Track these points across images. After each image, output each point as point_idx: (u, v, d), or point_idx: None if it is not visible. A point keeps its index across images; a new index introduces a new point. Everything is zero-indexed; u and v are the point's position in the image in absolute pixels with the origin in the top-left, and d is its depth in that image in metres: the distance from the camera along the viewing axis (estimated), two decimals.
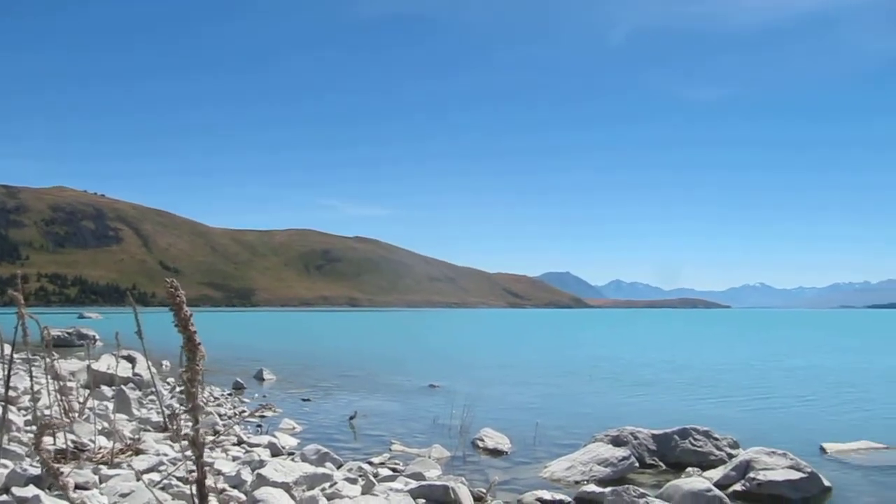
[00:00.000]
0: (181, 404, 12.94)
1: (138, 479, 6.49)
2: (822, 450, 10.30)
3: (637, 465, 8.87)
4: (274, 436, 10.40)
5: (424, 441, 10.75)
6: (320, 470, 7.52)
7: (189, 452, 2.75)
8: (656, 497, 7.13)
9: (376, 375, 21.73)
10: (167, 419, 10.49)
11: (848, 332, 66.13)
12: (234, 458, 8.48)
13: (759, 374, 22.80)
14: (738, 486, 7.90)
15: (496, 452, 10.18)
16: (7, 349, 8.20)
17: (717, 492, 7.30)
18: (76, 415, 9.72)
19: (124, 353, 17.53)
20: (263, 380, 19.89)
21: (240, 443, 9.89)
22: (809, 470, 7.94)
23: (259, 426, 12.03)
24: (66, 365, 15.54)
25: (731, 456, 8.95)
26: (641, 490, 6.99)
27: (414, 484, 7.26)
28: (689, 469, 8.79)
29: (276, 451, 9.39)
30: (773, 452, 8.22)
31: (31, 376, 8.87)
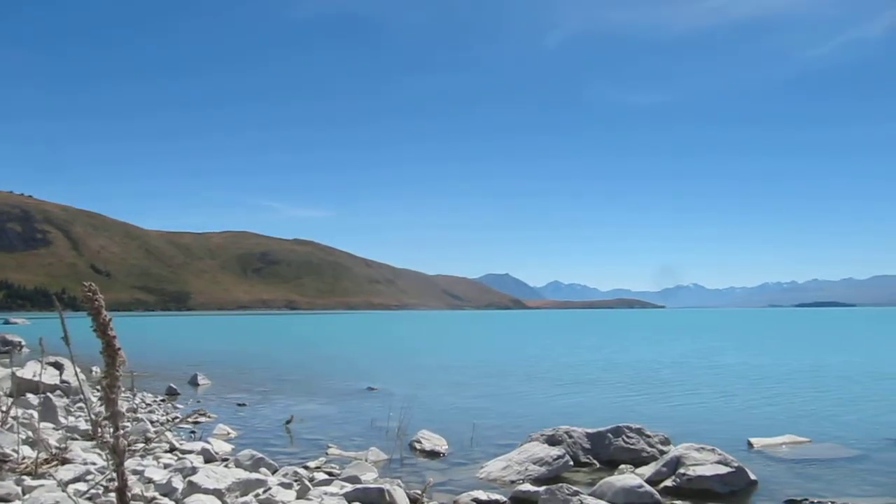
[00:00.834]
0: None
1: (63, 490, 6.29)
2: (750, 444, 10.62)
3: (572, 463, 9.00)
4: (207, 442, 10.21)
5: (361, 444, 10.70)
6: (254, 475, 7.43)
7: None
8: (589, 494, 7.24)
9: (314, 379, 21.56)
10: (92, 427, 10.20)
11: (774, 330, 68.36)
12: (166, 466, 8.28)
13: (690, 371, 23.37)
14: (668, 482, 8.08)
15: (433, 454, 10.19)
16: None
17: (648, 488, 7.46)
18: None
19: (52, 359, 16.99)
20: (198, 385, 19.51)
21: (172, 450, 9.67)
22: (737, 464, 8.17)
23: (192, 432, 11.80)
24: None
25: (662, 452, 9.15)
26: (575, 488, 7.09)
27: (349, 487, 7.23)
28: (623, 466, 8.96)
29: (209, 458, 9.21)
30: (702, 448, 8.43)
31: None
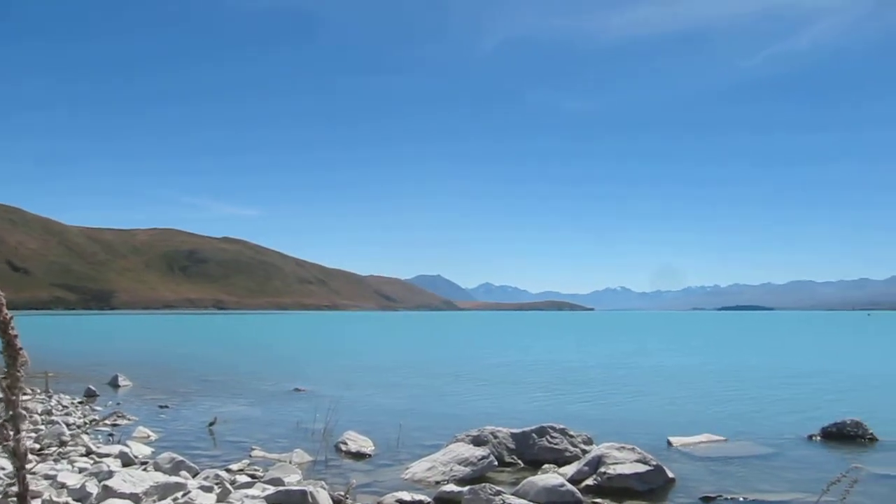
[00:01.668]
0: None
1: None
2: (669, 443, 10.91)
3: (496, 463, 9.09)
4: (126, 445, 9.93)
5: (286, 446, 10.57)
6: (173, 479, 7.26)
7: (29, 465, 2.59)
8: (512, 494, 7.33)
9: (240, 380, 21.20)
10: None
11: (696, 332, 70.40)
12: (81, 470, 8.02)
13: (614, 372, 23.89)
14: (590, 481, 8.23)
15: (359, 455, 10.15)
16: None
17: (569, 487, 7.59)
18: None
19: None
20: (119, 386, 18.96)
21: (88, 453, 9.37)
22: (655, 463, 8.38)
23: (111, 435, 11.46)
24: None
25: (585, 452, 9.30)
26: (498, 488, 7.16)
27: (272, 490, 7.13)
28: (546, 466, 9.08)
29: (127, 461, 8.97)
30: (622, 447, 8.62)
31: None
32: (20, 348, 2.54)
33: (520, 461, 9.49)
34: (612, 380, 21.35)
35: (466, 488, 7.32)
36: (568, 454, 9.43)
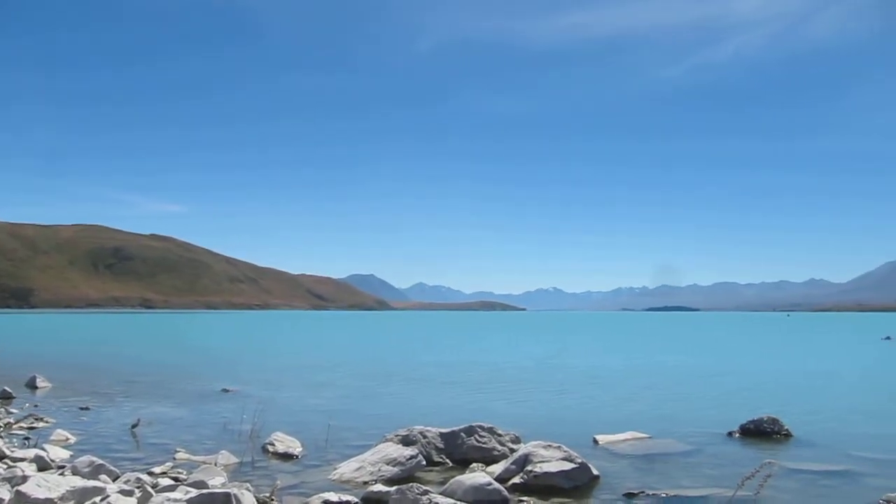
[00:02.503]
0: None
1: None
2: (595, 441, 11.13)
3: (425, 463, 9.11)
4: (43, 448, 9.60)
5: (212, 448, 10.38)
6: (92, 483, 7.05)
7: None
8: (440, 493, 7.36)
9: (166, 380, 20.70)
10: None
11: (624, 333, 71.95)
12: None
13: (543, 372, 24.25)
14: (517, 479, 8.34)
15: (287, 456, 10.03)
16: None
17: (496, 485, 7.67)
18: None
19: None
20: (37, 388, 18.30)
21: (1, 458, 9.02)
22: (580, 461, 8.54)
23: (27, 439, 11.05)
24: None
25: (512, 450, 9.41)
26: (425, 488, 7.18)
27: (194, 493, 6.98)
28: (474, 465, 9.15)
29: (43, 466, 8.67)
30: (549, 446, 8.75)
31: None
32: None
33: (448, 460, 9.54)
34: (541, 379, 21.64)
35: (394, 488, 7.32)
36: (496, 453, 9.52)
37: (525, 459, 8.57)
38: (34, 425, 12.40)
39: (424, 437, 9.67)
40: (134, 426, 12.21)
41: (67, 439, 11.13)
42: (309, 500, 7.49)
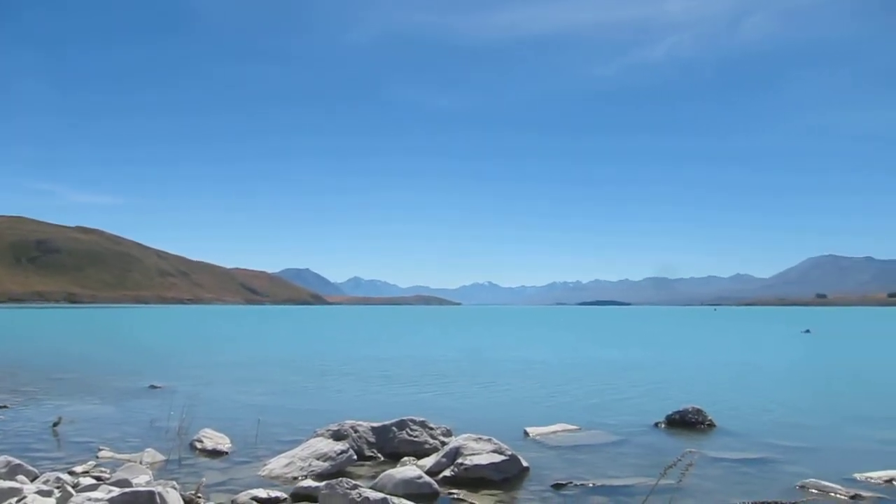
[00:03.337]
0: None
1: None
2: (526, 433, 11.28)
3: (356, 457, 9.07)
4: None
5: (138, 445, 10.14)
6: (7, 484, 6.81)
7: None
8: (370, 487, 7.34)
9: (91, 377, 20.11)
10: None
11: (557, 326, 73.03)
12: None
13: (476, 365, 24.45)
14: (447, 472, 8.38)
15: (215, 453, 9.86)
16: None
17: (426, 478, 7.70)
18: None
19: None
20: None
21: None
22: (510, 453, 8.63)
23: None
24: None
25: (444, 444, 9.44)
26: (354, 482, 7.14)
27: (117, 492, 6.79)
28: (405, 458, 9.16)
29: None
30: (479, 438, 8.82)
31: None
32: None
33: (380, 455, 9.52)
34: (473, 372, 21.80)
35: (323, 483, 7.26)
36: (427, 446, 9.55)
37: (456, 452, 8.62)
38: None
39: (356, 431, 9.63)
40: (55, 424, 11.83)
41: None
42: (237, 496, 7.38)
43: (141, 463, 8.79)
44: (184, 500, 7.00)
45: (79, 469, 8.49)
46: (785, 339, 45.66)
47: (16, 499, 6.46)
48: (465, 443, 8.72)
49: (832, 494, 7.75)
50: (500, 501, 7.69)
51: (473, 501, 7.57)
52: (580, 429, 11.74)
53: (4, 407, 14.09)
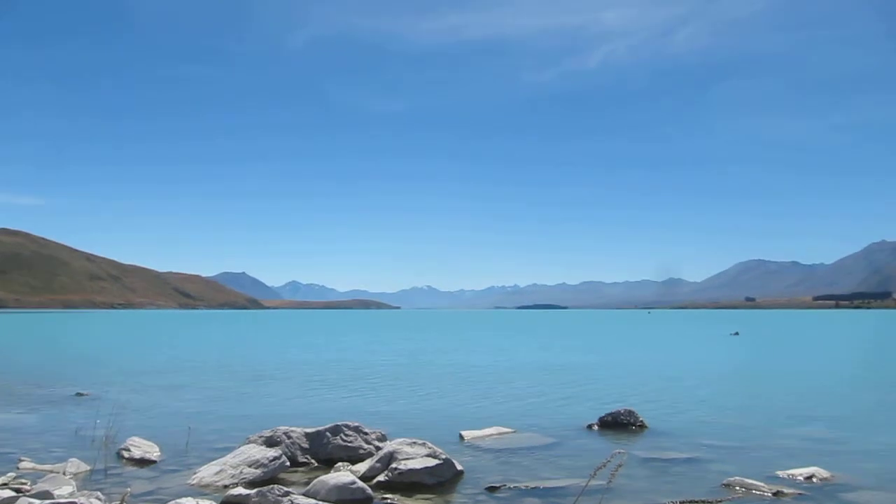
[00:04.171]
0: None
1: None
2: (461, 437, 11.32)
3: (288, 464, 8.96)
4: None
5: (61, 455, 9.78)
6: None
7: None
8: (302, 494, 7.26)
9: (13, 385, 19.37)
10: None
11: (494, 329, 73.52)
12: None
13: (412, 369, 24.45)
14: (381, 477, 8.34)
15: (143, 462, 9.60)
16: None
17: (360, 484, 7.64)
18: None
19: None
20: None
21: None
22: (444, 457, 8.64)
23: None
24: None
25: (378, 448, 9.40)
26: (286, 489, 7.07)
27: None
28: (339, 464, 9.08)
29: None
30: (414, 443, 8.81)
31: None
32: None
33: (314, 460, 9.42)
34: (410, 377, 21.79)
35: (254, 490, 7.16)
36: (362, 451, 9.48)
37: (390, 457, 8.59)
38: None
39: (289, 437, 9.51)
40: None
41: None
42: None
43: (64, 474, 8.51)
44: None
45: None
46: (715, 342, 46.91)
47: None
48: (400, 447, 8.70)
49: (756, 492, 7.98)
50: None
51: None
52: (515, 431, 11.84)
53: None
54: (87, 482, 8.39)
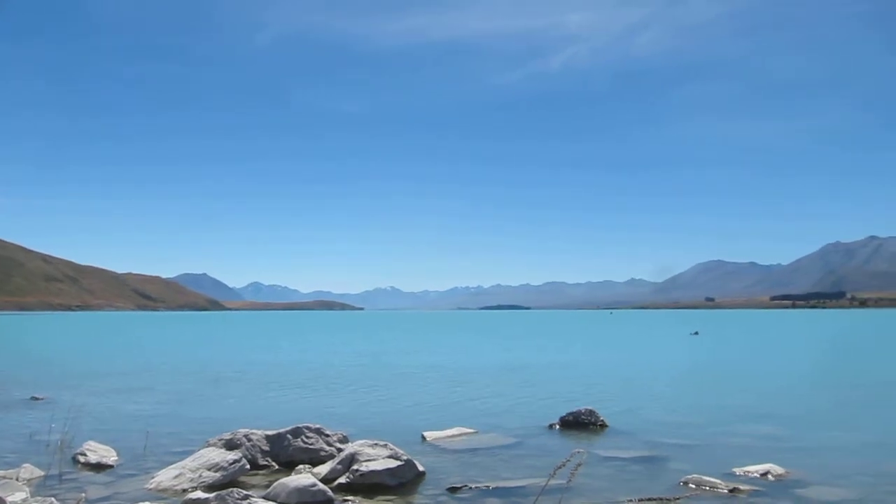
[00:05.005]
0: None
1: None
2: (423, 438, 11.32)
3: (248, 467, 8.87)
4: None
5: (14, 461, 9.56)
6: None
7: None
8: (262, 497, 7.21)
9: None
10: None
11: (458, 330, 73.69)
12: None
13: (374, 371, 24.40)
14: (343, 479, 8.32)
15: (100, 466, 9.44)
16: None
17: (321, 486, 7.61)
18: None
19: None
20: None
21: None
22: (406, 458, 8.64)
23: None
24: None
25: (340, 450, 9.36)
26: (246, 492, 7.00)
27: None
28: (300, 466, 9.03)
29: None
30: (375, 444, 8.80)
31: None
32: None
33: (274, 463, 9.35)
34: (372, 378, 21.74)
35: (213, 494, 7.08)
36: (323, 454, 9.44)
37: (351, 459, 8.57)
38: None
39: (249, 440, 9.42)
40: None
41: None
42: None
43: (17, 479, 8.33)
44: None
45: None
46: (675, 341, 47.56)
47: None
48: (361, 449, 8.68)
49: (713, 489, 8.12)
50: None
51: None
52: (477, 432, 11.88)
53: None
54: (41, 488, 8.23)
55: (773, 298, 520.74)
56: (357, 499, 7.74)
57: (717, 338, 52.84)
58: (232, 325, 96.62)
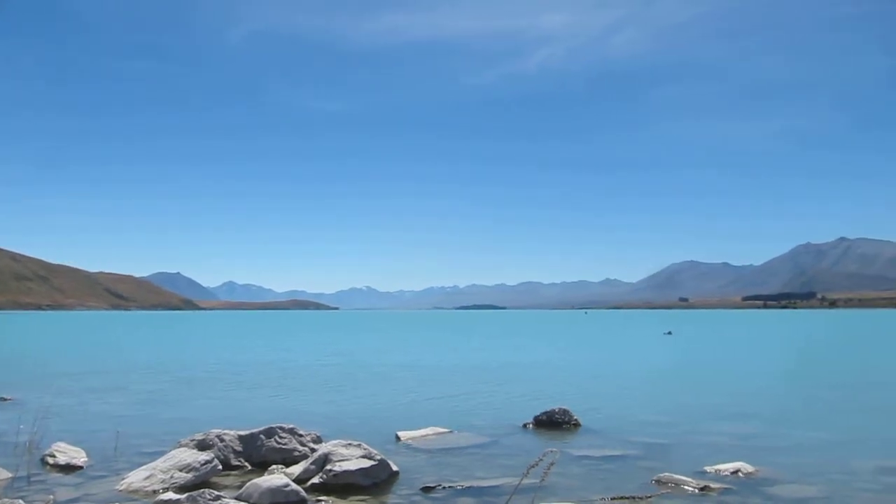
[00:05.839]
0: None
1: None
2: (397, 438, 11.30)
3: (221, 467, 8.80)
4: None
5: None
6: None
7: None
8: (235, 498, 7.16)
9: None
10: None
11: (433, 330, 73.66)
12: None
13: (348, 370, 24.33)
14: (316, 479, 8.28)
15: (69, 468, 9.30)
16: None
17: (294, 486, 7.57)
18: None
19: None
20: None
21: None
22: (380, 457, 8.63)
23: None
24: None
25: (314, 451, 9.31)
26: (218, 493, 6.95)
27: None
28: (274, 467, 8.97)
29: None
30: (349, 444, 8.77)
31: None
32: None
33: (247, 464, 9.28)
34: (346, 377, 21.69)
35: (185, 495, 7.02)
36: (297, 454, 9.39)
37: (325, 459, 8.53)
38: None
39: (222, 440, 9.35)
40: None
41: None
42: None
43: None
44: None
45: None
46: (649, 341, 47.95)
47: None
48: (335, 449, 8.65)
49: (684, 487, 8.19)
50: None
51: None
52: (451, 431, 11.88)
53: None
54: (8, 490, 8.10)
55: (745, 299, 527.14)
56: (330, 499, 7.71)
57: (690, 337, 53.34)
58: (205, 325, 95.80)
